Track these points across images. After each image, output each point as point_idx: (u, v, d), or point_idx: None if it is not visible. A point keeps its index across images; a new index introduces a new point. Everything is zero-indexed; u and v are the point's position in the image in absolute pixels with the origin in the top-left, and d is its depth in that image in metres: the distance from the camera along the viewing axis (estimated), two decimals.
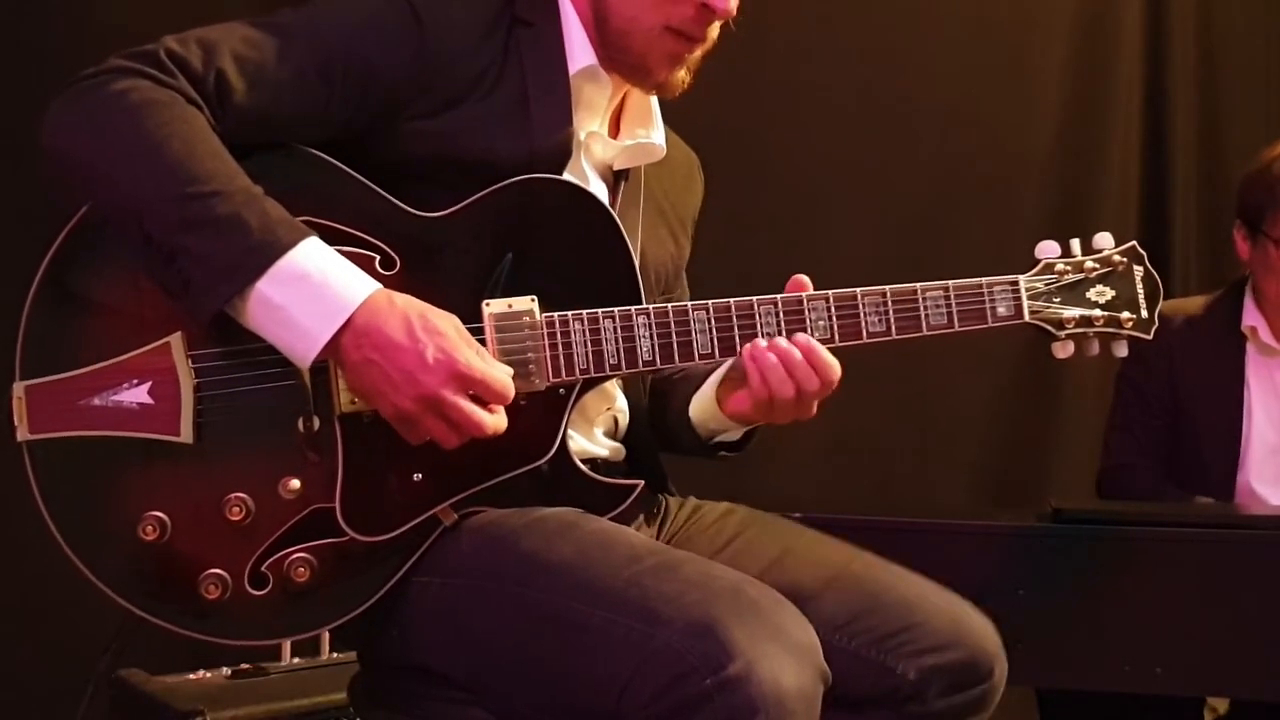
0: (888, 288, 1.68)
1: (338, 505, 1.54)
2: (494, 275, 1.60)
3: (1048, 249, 1.75)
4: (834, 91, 3.45)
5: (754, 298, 1.65)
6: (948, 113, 3.62)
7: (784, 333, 1.64)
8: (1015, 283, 1.72)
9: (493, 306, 1.59)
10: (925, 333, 1.69)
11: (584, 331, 1.60)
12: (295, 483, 1.53)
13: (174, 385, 1.52)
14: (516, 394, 1.53)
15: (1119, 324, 1.75)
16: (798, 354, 1.62)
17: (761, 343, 1.63)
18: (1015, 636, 2.04)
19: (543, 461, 1.59)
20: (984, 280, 1.71)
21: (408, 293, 1.51)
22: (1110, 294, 1.75)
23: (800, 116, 3.41)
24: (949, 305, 1.69)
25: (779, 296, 1.66)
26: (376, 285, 1.49)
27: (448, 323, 1.50)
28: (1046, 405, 3.78)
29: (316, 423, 1.54)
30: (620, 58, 1.72)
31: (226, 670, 2.26)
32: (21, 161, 1.91)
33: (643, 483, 1.67)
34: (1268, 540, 2.08)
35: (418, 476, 1.55)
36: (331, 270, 1.47)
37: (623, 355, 1.61)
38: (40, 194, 1.58)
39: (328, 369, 1.53)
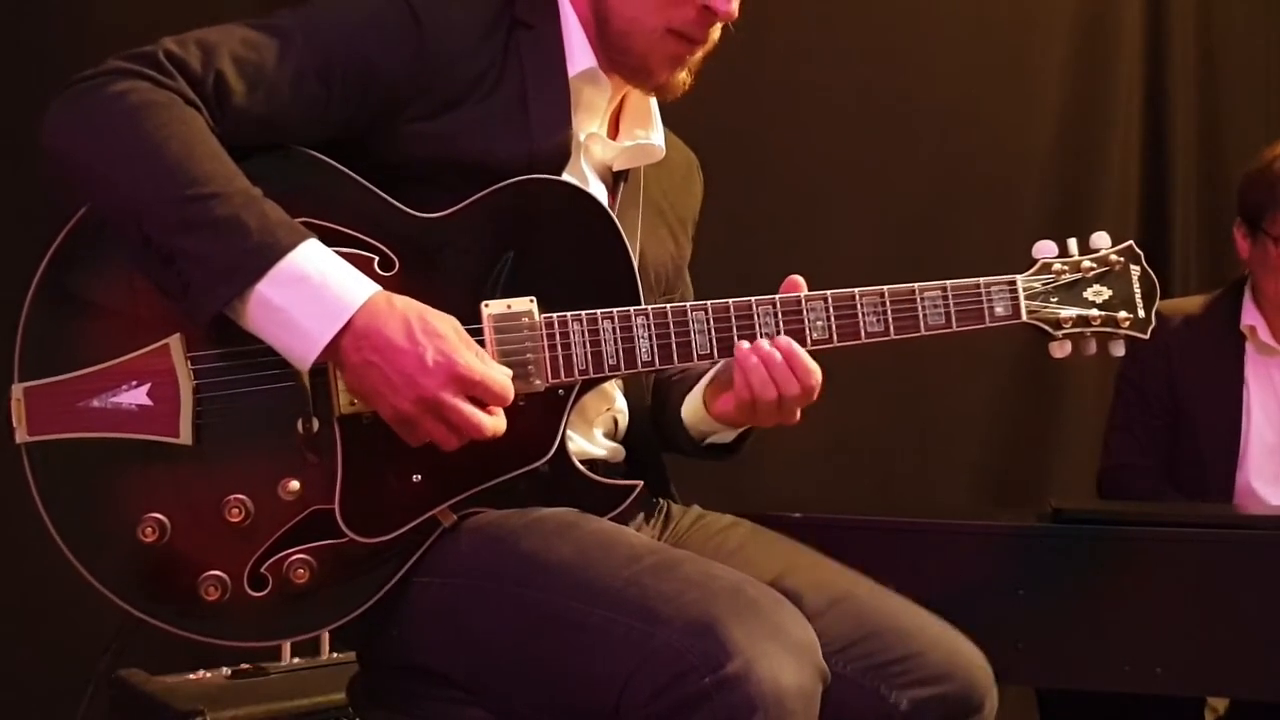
0: (885, 288, 1.68)
1: (337, 506, 1.54)
2: (493, 276, 1.60)
3: (1045, 249, 1.76)
4: (834, 91, 3.45)
5: (753, 298, 1.65)
6: (948, 113, 3.62)
7: (782, 333, 1.65)
8: (1013, 283, 1.73)
9: (492, 307, 1.59)
10: (923, 333, 1.69)
11: (583, 332, 1.60)
12: (294, 484, 1.53)
13: (173, 387, 1.52)
14: (516, 395, 1.53)
15: (1116, 323, 1.76)
16: (778, 356, 1.62)
17: (745, 345, 1.63)
18: (1015, 636, 2.05)
19: (542, 462, 1.59)
20: (981, 280, 1.71)
21: (407, 294, 1.51)
22: (1107, 293, 1.76)
23: (800, 116, 3.41)
24: (947, 305, 1.69)
25: (777, 297, 1.66)
26: (376, 287, 1.49)
27: (447, 325, 1.50)
28: (1046, 405, 3.78)
29: (316, 424, 1.54)
30: (621, 59, 1.72)
31: (226, 670, 2.26)
32: (21, 161, 1.91)
33: (642, 483, 1.67)
34: (1268, 540, 2.08)
35: (417, 478, 1.56)
36: (331, 272, 1.47)
37: (621, 356, 1.62)
38: (40, 194, 1.58)
39: (327, 370, 1.53)
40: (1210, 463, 2.75)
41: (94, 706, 2.21)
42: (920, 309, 1.69)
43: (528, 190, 1.62)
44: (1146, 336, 1.77)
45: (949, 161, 3.63)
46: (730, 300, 1.65)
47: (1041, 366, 3.55)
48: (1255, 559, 2.06)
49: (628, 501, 1.65)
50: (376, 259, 1.57)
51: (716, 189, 2.05)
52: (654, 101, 1.83)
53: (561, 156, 1.68)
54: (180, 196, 1.44)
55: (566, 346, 1.60)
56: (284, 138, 1.58)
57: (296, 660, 2.33)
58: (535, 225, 1.62)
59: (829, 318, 1.66)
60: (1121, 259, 1.77)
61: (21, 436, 1.51)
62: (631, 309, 1.62)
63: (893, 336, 1.68)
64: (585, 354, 1.61)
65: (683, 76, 1.74)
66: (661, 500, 1.85)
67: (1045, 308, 1.74)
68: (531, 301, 1.60)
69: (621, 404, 1.82)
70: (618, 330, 1.61)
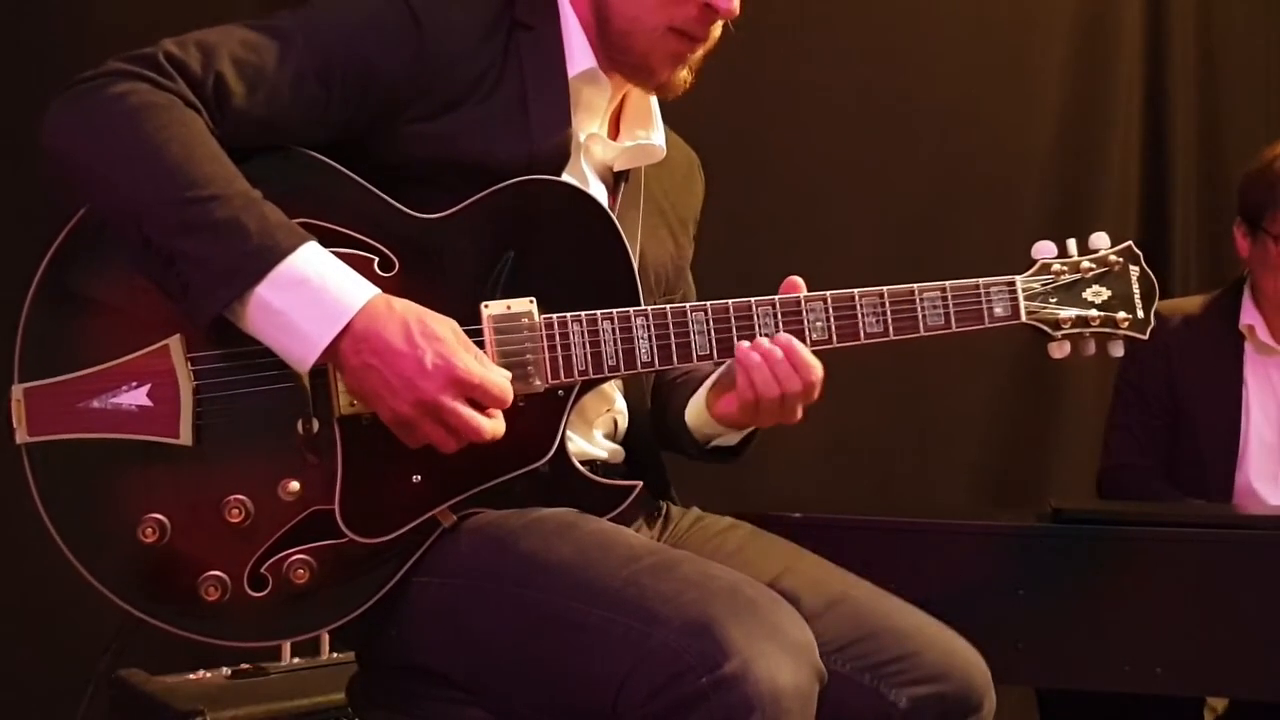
0: (885, 289, 1.68)
1: (337, 507, 1.54)
2: (493, 277, 1.60)
3: (1044, 249, 1.76)
4: (834, 91, 3.45)
5: (752, 299, 1.65)
6: (948, 113, 3.62)
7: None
8: (1012, 283, 1.73)
9: (491, 308, 1.59)
10: (923, 333, 1.69)
11: (582, 333, 1.61)
12: (294, 484, 1.53)
13: (173, 387, 1.52)
14: (515, 396, 1.53)
15: (1115, 324, 1.76)
16: (779, 353, 1.62)
17: (745, 344, 1.63)
18: (1015, 636, 2.05)
19: (542, 463, 1.60)
20: (981, 281, 1.71)
21: (406, 294, 1.52)
22: (1106, 294, 1.76)
23: (800, 116, 3.41)
24: (946, 306, 1.69)
25: (777, 298, 1.66)
26: (375, 290, 1.49)
27: (446, 327, 1.50)
28: (1046, 405, 3.78)
29: (315, 425, 1.54)
30: (622, 58, 1.72)
31: (226, 670, 2.26)
32: (21, 161, 1.91)
33: (641, 484, 1.67)
34: (1268, 540, 2.08)
35: (417, 478, 1.56)
36: (330, 275, 1.47)
37: (621, 356, 1.62)
38: (40, 194, 1.58)
39: (327, 371, 1.53)
40: (1210, 462, 2.75)
41: (94, 706, 2.21)
42: (919, 310, 1.69)
43: (527, 191, 1.62)
44: (1145, 337, 1.77)
45: (949, 161, 3.63)
46: (730, 301, 1.65)
47: (1041, 367, 3.55)
48: (1255, 559, 2.06)
49: (627, 502, 1.65)
50: (376, 260, 1.57)
51: (716, 189, 2.05)
52: (655, 101, 1.83)
53: (561, 157, 1.68)
54: (180, 198, 1.44)
55: (566, 347, 1.60)
56: (284, 139, 1.58)
57: (296, 660, 2.33)
58: (535, 226, 1.62)
59: (828, 318, 1.67)
60: (1121, 259, 1.77)
61: (21, 437, 1.51)
62: (631, 310, 1.62)
63: (892, 337, 1.68)
64: (585, 355, 1.61)
65: (684, 75, 1.74)
66: (661, 501, 1.85)
67: (1044, 308, 1.74)
68: (531, 302, 1.60)
69: (621, 405, 1.82)
70: (617, 331, 1.61)
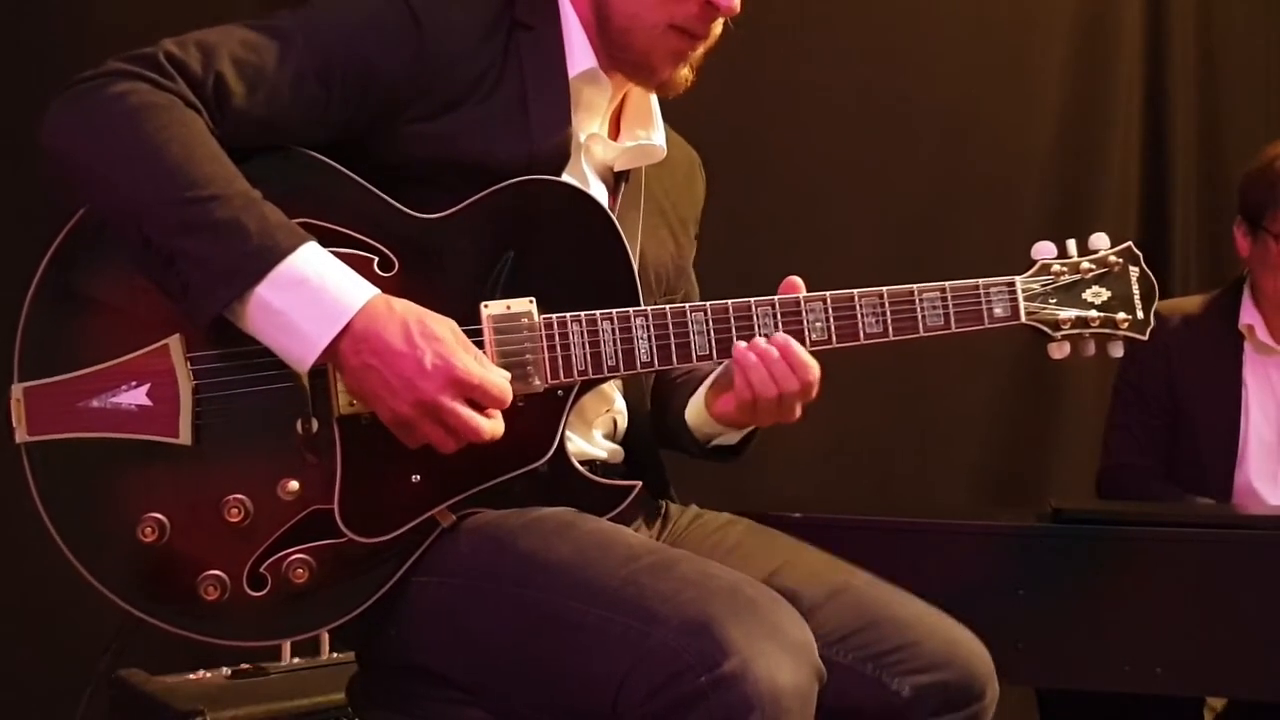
0: (884, 289, 1.68)
1: (336, 507, 1.54)
2: (492, 277, 1.60)
3: (1044, 250, 1.76)
4: (834, 91, 3.45)
5: (752, 299, 1.65)
6: (948, 113, 3.62)
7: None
8: (1011, 284, 1.73)
9: (491, 308, 1.59)
10: (922, 334, 1.69)
11: (582, 333, 1.61)
12: (294, 484, 1.53)
13: (173, 387, 1.52)
14: (515, 395, 1.54)
15: (1115, 325, 1.76)
16: (775, 352, 1.62)
17: (742, 344, 1.63)
18: (1015, 636, 2.05)
19: (541, 463, 1.60)
20: (980, 281, 1.71)
21: (406, 294, 1.52)
22: (1106, 295, 1.76)
23: (800, 116, 3.41)
24: (945, 306, 1.69)
25: (776, 298, 1.66)
26: (375, 290, 1.49)
27: (445, 327, 1.50)
28: (1046, 405, 3.78)
29: (315, 425, 1.54)
30: (623, 56, 1.72)
31: (226, 670, 2.26)
32: (21, 161, 1.91)
33: (640, 483, 1.67)
34: (1268, 540, 2.08)
35: (416, 478, 1.56)
36: (330, 275, 1.47)
37: (620, 357, 1.62)
38: (40, 194, 1.58)
39: (326, 371, 1.53)
40: (1209, 462, 2.75)
41: (94, 706, 2.21)
42: (919, 310, 1.69)
43: (527, 191, 1.62)
44: (1145, 338, 1.77)
45: (949, 161, 3.63)
46: (729, 301, 1.65)
47: (1041, 367, 3.54)
48: (1255, 559, 2.06)
49: (626, 502, 1.65)
50: (376, 259, 1.57)
51: (717, 189, 2.05)
52: (655, 101, 1.83)
53: (561, 157, 1.68)
54: (180, 198, 1.44)
55: (566, 347, 1.60)
56: (284, 139, 1.58)
57: (296, 660, 2.33)
58: (535, 226, 1.62)
59: (828, 319, 1.67)
60: (1120, 260, 1.77)
61: (21, 436, 1.51)
62: (631, 310, 1.62)
63: (891, 338, 1.68)
64: (584, 355, 1.61)
65: (684, 73, 1.74)
66: (660, 500, 1.85)
67: (1044, 309, 1.74)
68: (531, 302, 1.60)
69: (621, 405, 1.82)
70: (617, 331, 1.62)
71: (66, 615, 2.14)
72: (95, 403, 1.51)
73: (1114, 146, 3.94)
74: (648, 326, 1.63)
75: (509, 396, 1.51)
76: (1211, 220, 4.03)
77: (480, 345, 1.55)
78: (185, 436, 1.52)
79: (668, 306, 1.64)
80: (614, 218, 1.65)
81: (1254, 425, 2.75)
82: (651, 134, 1.81)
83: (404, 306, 1.49)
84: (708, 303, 1.65)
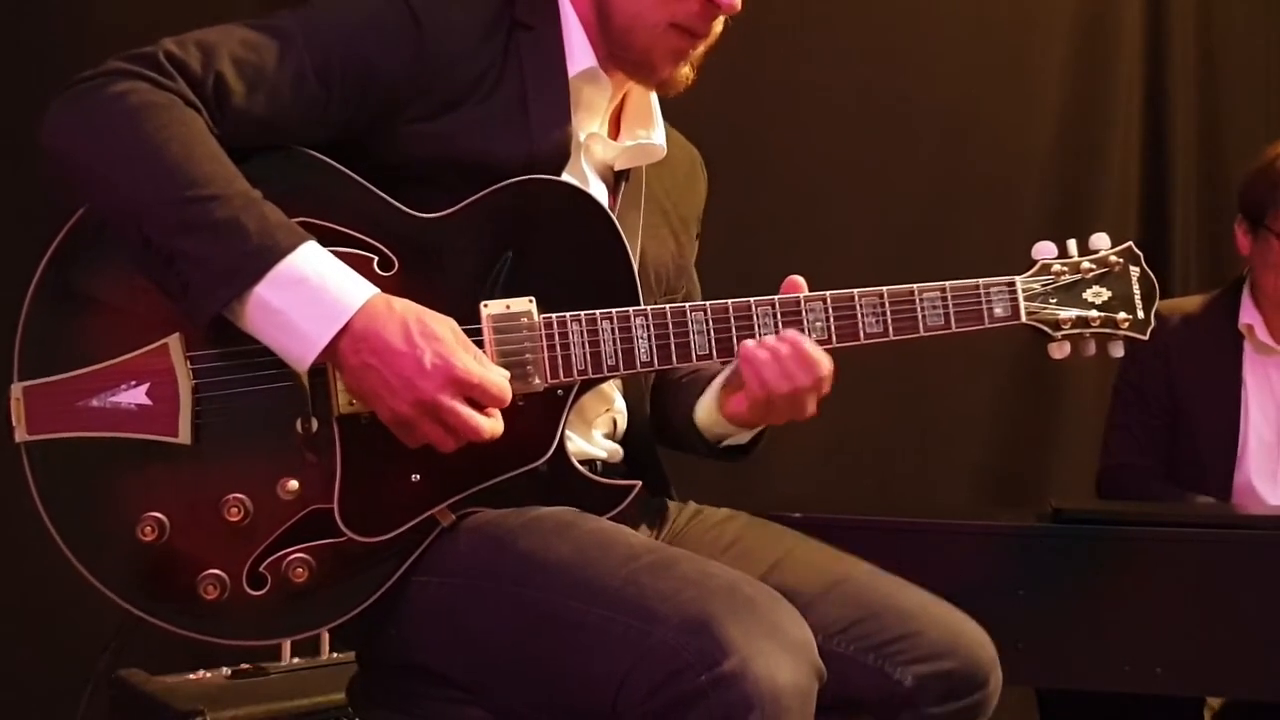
0: (884, 289, 1.68)
1: (336, 506, 1.54)
2: (492, 276, 1.60)
3: (1044, 250, 1.76)
4: (834, 91, 3.45)
5: (752, 299, 1.66)
6: (948, 113, 3.62)
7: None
8: (1012, 284, 1.73)
9: (491, 307, 1.59)
10: (922, 334, 1.69)
11: (582, 333, 1.61)
12: (293, 483, 1.53)
13: (172, 386, 1.52)
14: (515, 395, 1.54)
15: (1115, 325, 1.76)
16: (785, 349, 1.62)
17: (751, 342, 1.63)
18: (1015, 636, 2.05)
19: (541, 462, 1.60)
20: (980, 281, 1.71)
21: (406, 293, 1.52)
22: (1106, 294, 1.76)
23: (800, 116, 3.41)
24: (946, 306, 1.69)
25: (776, 298, 1.66)
26: (375, 290, 1.49)
27: (444, 327, 1.50)
28: (1046, 405, 3.78)
29: (315, 424, 1.54)
30: (624, 55, 1.72)
31: (226, 670, 2.26)
32: (21, 161, 1.91)
33: (640, 483, 1.67)
34: (1268, 540, 2.08)
35: (416, 477, 1.56)
36: (329, 274, 1.47)
37: (620, 356, 1.62)
38: (40, 194, 1.58)
39: (326, 370, 1.53)
40: (1209, 462, 2.75)
41: (94, 706, 2.21)
42: (919, 310, 1.69)
43: (527, 190, 1.62)
44: (1145, 338, 1.77)
45: (949, 161, 3.63)
46: (729, 301, 1.65)
47: (1041, 367, 3.55)
48: (1255, 559, 2.06)
49: (626, 501, 1.65)
50: (376, 259, 1.57)
51: (717, 188, 2.05)
52: (655, 101, 1.83)
53: (561, 157, 1.68)
54: (180, 198, 1.44)
55: (565, 347, 1.60)
56: (284, 138, 1.58)
57: (296, 660, 2.33)
58: (535, 225, 1.62)
59: (828, 319, 1.67)
60: (1121, 260, 1.77)
61: (21, 436, 1.52)
62: (630, 309, 1.62)
63: (892, 337, 1.68)
64: (584, 354, 1.61)
65: (685, 71, 1.74)
66: (659, 499, 1.85)
67: (1044, 309, 1.74)
68: (530, 302, 1.60)
69: (620, 404, 1.82)
70: (616, 331, 1.62)
71: (66, 615, 2.14)
72: (95, 402, 1.51)
73: (1114, 146, 3.94)
74: (647, 326, 1.63)
75: (508, 396, 1.51)
76: (1211, 220, 4.04)
77: (480, 345, 1.55)
78: (185, 436, 1.52)
79: (667, 306, 1.64)
80: (614, 217, 1.65)
81: (1253, 425, 2.75)
82: (652, 133, 1.81)
83: (404, 306, 1.49)
84: (707, 302, 1.65)
